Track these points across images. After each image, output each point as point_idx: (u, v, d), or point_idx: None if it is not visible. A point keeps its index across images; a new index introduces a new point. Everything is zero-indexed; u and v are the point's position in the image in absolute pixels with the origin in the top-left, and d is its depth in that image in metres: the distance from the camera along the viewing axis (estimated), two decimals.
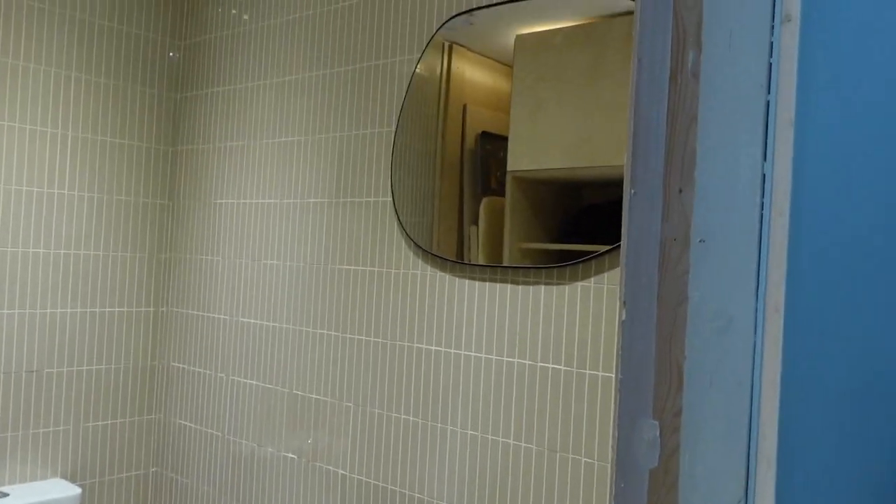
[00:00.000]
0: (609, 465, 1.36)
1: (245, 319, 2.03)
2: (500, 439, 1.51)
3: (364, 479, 1.74)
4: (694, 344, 0.75)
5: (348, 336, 1.79)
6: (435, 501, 1.62)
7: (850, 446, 0.71)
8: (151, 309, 2.26)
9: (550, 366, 1.45)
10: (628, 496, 0.80)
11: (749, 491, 0.71)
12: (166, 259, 2.28)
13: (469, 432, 1.56)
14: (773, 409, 0.70)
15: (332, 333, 1.82)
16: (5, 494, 1.91)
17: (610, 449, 1.31)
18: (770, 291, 0.71)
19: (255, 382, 2.00)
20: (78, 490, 1.98)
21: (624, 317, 0.81)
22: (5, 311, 1.97)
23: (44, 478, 2.05)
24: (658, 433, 0.78)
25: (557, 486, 1.43)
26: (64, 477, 2.08)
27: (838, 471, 0.71)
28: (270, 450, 1.95)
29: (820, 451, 0.71)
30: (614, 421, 0.83)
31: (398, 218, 1.70)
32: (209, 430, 2.11)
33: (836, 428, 0.71)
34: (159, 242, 2.27)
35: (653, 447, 0.79)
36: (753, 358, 0.71)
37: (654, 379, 0.78)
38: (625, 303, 0.81)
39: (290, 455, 1.90)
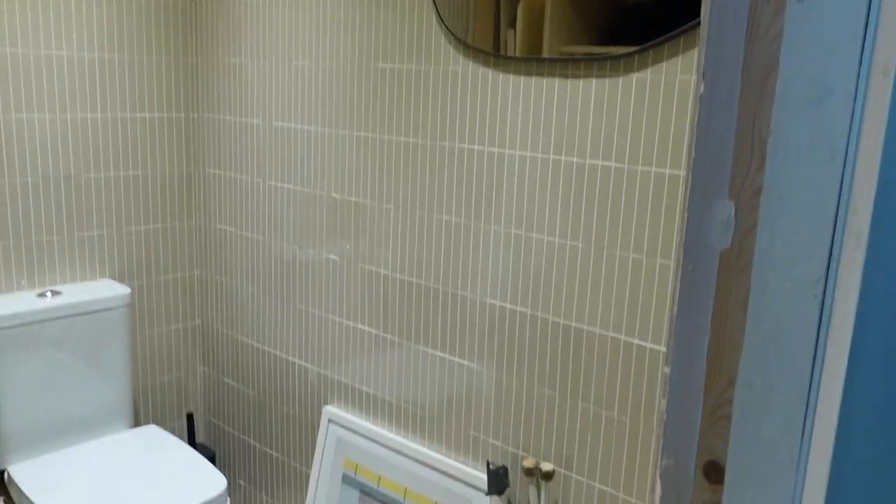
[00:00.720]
0: (674, 250, 1.35)
1: (279, 123, 1.98)
2: (545, 237, 1.50)
3: (406, 278, 1.77)
4: (782, 117, 0.70)
5: (386, 137, 1.74)
6: (478, 298, 1.64)
7: None
8: (182, 115, 2.21)
9: (600, 162, 1.40)
10: (696, 278, 0.78)
11: (831, 269, 0.68)
12: (193, 63, 2.19)
13: (513, 231, 1.55)
14: (870, 181, 0.65)
15: (370, 135, 1.78)
16: (58, 293, 1.97)
17: (677, 232, 1.29)
18: (878, 51, 0.64)
19: (292, 187, 1.98)
20: (127, 289, 2.04)
21: (702, 90, 0.75)
22: (36, 114, 1.93)
23: (93, 278, 2.12)
24: (734, 212, 0.74)
25: (604, 283, 1.44)
26: (112, 278, 2.15)
27: None
28: (311, 252, 1.97)
29: None
30: (684, 203, 0.79)
31: (437, 10, 1.59)
32: (250, 234, 2.13)
33: None
34: (184, 45, 2.18)
35: (727, 228, 0.75)
36: (850, 128, 0.66)
37: (733, 156, 0.73)
38: (704, 74, 0.74)
39: (332, 256, 1.93)
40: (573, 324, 1.49)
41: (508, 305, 1.59)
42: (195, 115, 2.22)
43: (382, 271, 1.82)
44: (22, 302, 1.90)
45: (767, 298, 0.73)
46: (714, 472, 0.81)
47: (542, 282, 1.52)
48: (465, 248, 1.64)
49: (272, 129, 2.01)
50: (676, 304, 0.81)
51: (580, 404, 1.51)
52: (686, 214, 0.79)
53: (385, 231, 1.79)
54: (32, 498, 1.74)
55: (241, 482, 2.34)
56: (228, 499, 1.81)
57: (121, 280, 2.16)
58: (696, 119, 0.76)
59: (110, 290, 2.03)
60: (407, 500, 1.82)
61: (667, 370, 0.82)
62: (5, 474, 1.86)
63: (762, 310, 0.74)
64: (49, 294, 1.96)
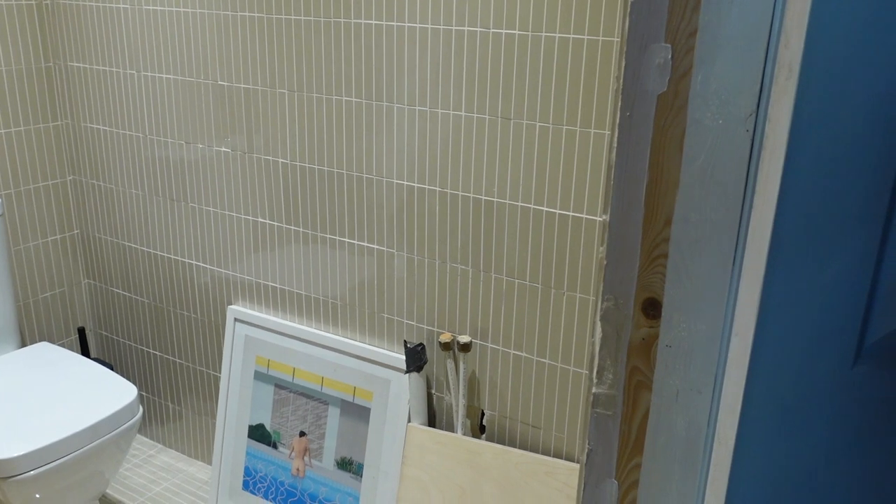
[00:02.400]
0: (611, 95, 1.37)
1: (149, 7, 1.82)
2: (451, 112, 1.49)
3: (307, 165, 1.72)
4: None
5: (274, 16, 1.65)
6: (385, 180, 1.62)
7: (871, 48, 0.72)
8: (34, 1, 1.99)
9: (504, 31, 1.39)
10: (634, 123, 0.80)
11: (762, 103, 0.72)
12: None
13: (417, 108, 1.53)
14: (801, 14, 0.68)
15: (256, 15, 1.67)
16: None
17: (613, 80, 1.31)
18: None
19: (171, 76, 1.85)
20: None
21: None
22: None
23: None
24: (670, 55, 0.76)
25: (511, 154, 1.45)
26: None
27: (858, 76, 0.72)
28: (201, 146, 1.87)
29: (843, 60, 0.71)
30: (621, 49, 0.80)
31: None
32: (127, 132, 1.99)
33: (860, 34, 0.71)
34: None
35: (663, 71, 0.77)
36: None
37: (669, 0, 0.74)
38: None
39: (224, 149, 1.84)
40: (483, 197, 1.51)
41: (416, 185, 1.58)
42: (48, 0, 2.00)
43: (280, 160, 1.75)
44: None
45: (702, 136, 0.77)
46: (652, 308, 0.87)
47: (451, 157, 1.52)
48: (367, 130, 1.61)
49: (143, 13, 1.84)
50: (615, 150, 0.83)
51: (493, 276, 1.55)
52: (623, 61, 0.80)
53: (280, 118, 1.72)
54: None
55: (144, 393, 2.27)
56: (140, 407, 1.76)
57: None
58: None
59: None
60: (324, 388, 1.83)
61: (605, 217, 0.85)
62: None
63: (697, 147, 0.77)
64: None
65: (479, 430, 1.69)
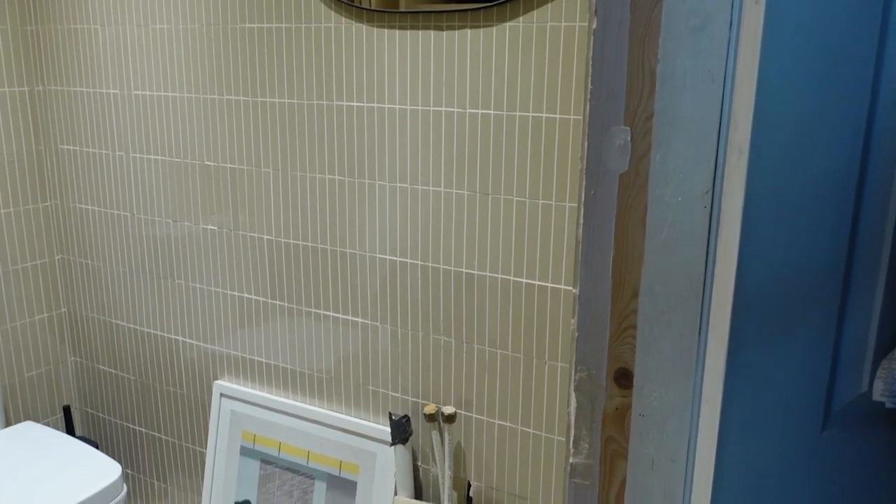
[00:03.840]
0: (579, 174, 1.42)
1: (139, 92, 1.89)
2: (431, 188, 1.54)
3: (292, 241, 1.75)
4: (668, 46, 0.76)
5: (259, 100, 1.71)
6: (367, 255, 1.66)
7: (817, 131, 0.77)
8: (26, 88, 2.05)
9: (480, 111, 1.45)
10: (599, 200, 0.84)
11: (717, 181, 0.76)
12: (33, 31, 2.03)
13: (398, 185, 1.58)
14: (748, 99, 0.73)
15: (241, 98, 1.73)
16: None
17: (580, 160, 1.36)
18: None
19: (159, 157, 1.90)
20: None
21: (595, 24, 0.80)
22: None
23: None
24: (629, 137, 0.81)
25: (490, 227, 1.50)
26: None
27: (806, 157, 0.77)
28: (187, 224, 1.91)
29: (790, 142, 0.76)
30: (584, 131, 0.85)
31: None
32: (115, 212, 2.03)
33: (806, 118, 0.76)
34: (21, 13, 2.01)
35: (624, 152, 0.82)
36: (728, 53, 0.73)
37: (627, 85, 0.80)
38: (596, 11, 0.80)
39: (211, 227, 1.87)
40: (464, 270, 1.54)
41: (399, 259, 1.62)
42: (40, 87, 2.07)
43: (266, 237, 1.79)
44: None
45: (663, 212, 0.81)
46: (624, 378, 0.89)
47: (431, 232, 1.56)
48: (350, 206, 1.65)
49: (131, 98, 1.91)
50: (581, 226, 0.87)
51: (476, 347, 1.57)
52: (586, 143, 0.85)
53: (265, 195, 1.76)
54: None
55: (130, 471, 2.25)
56: (125, 485, 1.74)
57: None
58: (590, 53, 0.81)
59: None
60: (311, 462, 1.82)
61: (575, 291, 0.89)
62: None
63: (659, 223, 0.81)
64: None
65: (466, 501, 1.68)
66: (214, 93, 1.77)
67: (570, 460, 0.95)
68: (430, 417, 1.63)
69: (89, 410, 2.28)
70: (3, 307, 2.08)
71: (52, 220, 2.16)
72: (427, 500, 1.73)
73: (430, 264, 1.58)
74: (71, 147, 2.06)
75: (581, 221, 0.86)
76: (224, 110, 1.76)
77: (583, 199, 0.85)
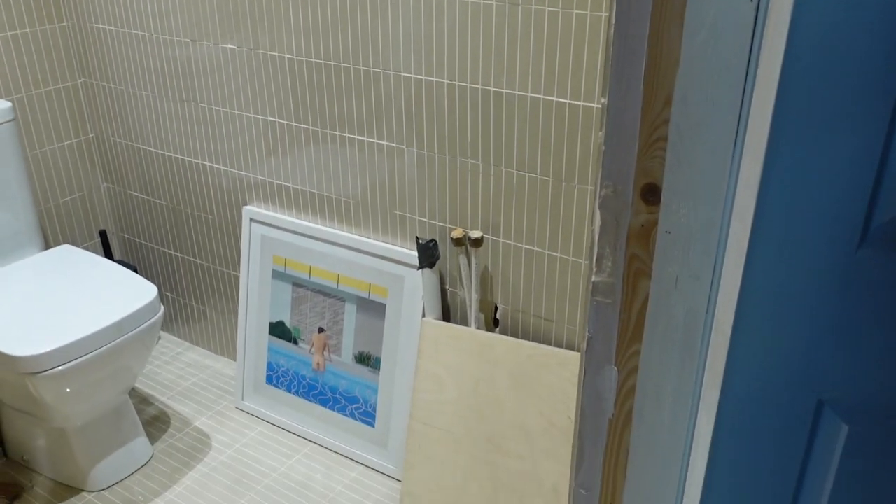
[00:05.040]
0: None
1: None
2: None
3: (314, 60, 1.68)
4: None
5: None
6: (391, 73, 1.58)
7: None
8: None
9: None
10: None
11: None
12: None
13: None
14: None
15: None
16: None
17: None
18: None
19: None
20: (7, 103, 1.87)
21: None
22: None
23: None
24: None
25: (521, 37, 1.40)
26: None
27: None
28: (207, 44, 1.83)
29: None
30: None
31: None
32: (132, 31, 1.95)
33: None
34: None
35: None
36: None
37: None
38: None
39: (230, 46, 1.80)
40: (492, 88, 1.47)
41: (424, 77, 1.54)
42: None
43: (287, 56, 1.71)
44: None
45: (704, 7, 0.72)
46: (651, 194, 0.85)
47: (458, 47, 1.47)
48: (373, 19, 1.56)
49: None
50: (613, 26, 0.79)
51: (503, 170, 1.53)
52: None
53: (285, 11, 1.67)
54: None
55: (169, 294, 2.33)
56: (162, 306, 1.80)
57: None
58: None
59: None
60: (340, 286, 1.86)
61: (604, 100, 0.82)
62: None
63: (698, 20, 0.73)
64: None
65: (492, 323, 1.71)
66: None
67: (593, 278, 0.93)
68: (458, 242, 1.62)
69: (125, 235, 2.33)
70: (31, 132, 2.07)
71: (71, 42, 2.09)
72: (454, 323, 1.76)
73: (455, 83, 1.51)
74: None
75: (613, 20, 0.78)
76: None
77: None
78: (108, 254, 2.25)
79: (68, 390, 1.66)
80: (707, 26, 0.73)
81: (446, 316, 1.76)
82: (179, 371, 2.27)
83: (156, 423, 2.07)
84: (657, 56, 0.77)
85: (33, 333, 1.63)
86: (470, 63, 1.47)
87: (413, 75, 1.55)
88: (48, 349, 1.58)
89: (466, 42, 1.46)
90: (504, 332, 1.69)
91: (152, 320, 1.75)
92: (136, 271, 2.25)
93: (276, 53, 1.72)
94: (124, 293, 1.77)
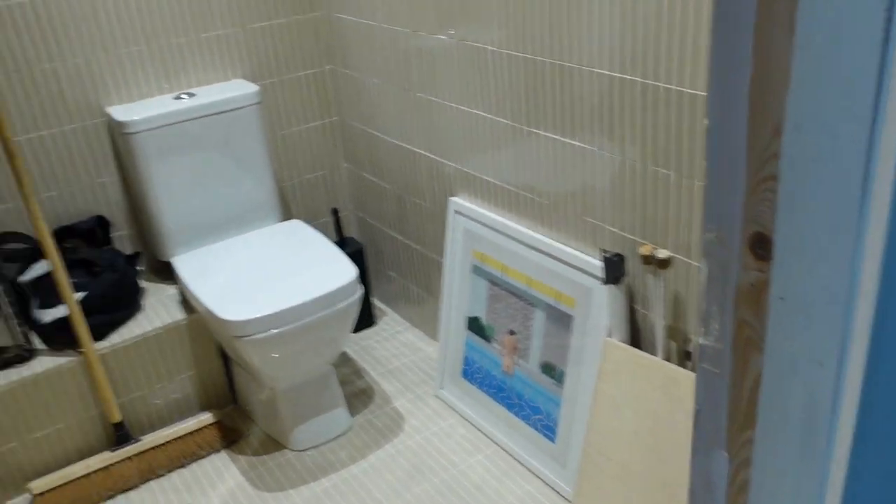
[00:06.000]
0: None
1: None
2: None
3: (513, 52, 1.59)
4: None
5: None
6: (585, 69, 1.45)
7: None
8: None
9: None
10: None
11: None
12: None
13: None
14: None
15: None
16: (192, 94, 2.04)
17: None
18: None
19: None
20: (255, 87, 2.06)
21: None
22: None
23: (226, 79, 2.16)
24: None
25: None
26: (245, 78, 2.18)
27: None
28: (423, 34, 1.84)
29: None
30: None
31: None
32: (364, 21, 2.03)
33: None
34: None
35: None
36: None
37: None
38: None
39: (441, 37, 1.78)
40: (686, 90, 1.27)
41: (617, 74, 1.38)
42: None
43: (489, 48, 1.65)
44: (161, 104, 1.99)
45: (820, 9, 0.53)
46: (760, 246, 0.66)
47: (653, 42, 1.29)
48: (568, 10, 1.43)
49: None
50: (712, 32, 0.62)
51: (695, 184, 1.32)
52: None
53: (487, 2, 1.61)
54: (186, 282, 1.91)
55: (392, 273, 2.42)
56: (360, 287, 1.86)
57: (253, 80, 2.19)
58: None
59: (240, 89, 2.06)
60: (530, 289, 1.77)
61: (706, 120, 0.65)
62: (172, 264, 2.05)
63: (813, 25, 0.54)
64: (185, 96, 2.03)
65: (683, 356, 1.50)
66: None
67: (700, 340, 0.75)
68: (646, 259, 1.45)
69: (359, 214, 2.46)
70: (280, 114, 2.26)
71: (321, 30, 2.24)
72: (643, 347, 1.58)
73: (650, 82, 1.33)
74: None
75: (713, 22, 0.61)
76: None
77: None
78: (339, 230, 2.39)
79: (274, 355, 1.80)
80: (824, 32, 0.53)
81: (634, 338, 1.59)
82: (394, 350, 2.35)
83: (361, 396, 2.18)
84: (763, 68, 0.58)
85: (244, 300, 1.78)
86: (664, 59, 1.28)
87: (606, 71, 1.40)
88: (250, 317, 1.72)
89: (661, 34, 1.27)
90: (694, 369, 1.47)
91: (349, 300, 1.82)
92: (363, 249, 2.37)
93: (479, 45, 1.67)
94: (329, 272, 1.87)
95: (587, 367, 1.64)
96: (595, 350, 1.61)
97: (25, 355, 1.85)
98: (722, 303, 0.71)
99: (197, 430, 2.00)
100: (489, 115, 1.73)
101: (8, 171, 1.86)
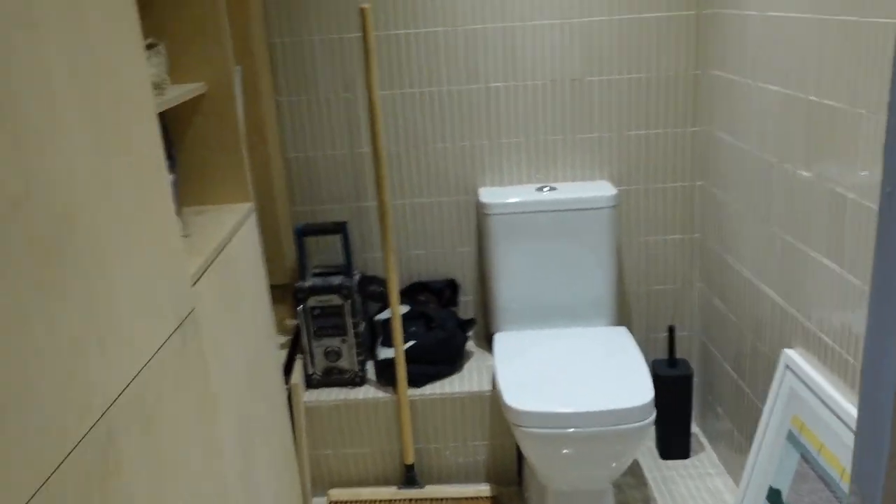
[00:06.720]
0: None
1: (774, 13, 1.70)
2: None
3: (868, 203, 1.36)
4: None
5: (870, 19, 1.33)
6: None
7: None
8: (693, 12, 2.08)
9: None
10: None
11: None
12: None
13: None
14: None
15: (859, 19, 1.38)
16: (554, 188, 2.15)
17: None
18: None
19: (776, 88, 1.69)
20: (614, 191, 2.09)
21: None
22: (546, 21, 2.09)
23: (591, 179, 2.23)
24: None
25: None
26: (610, 180, 2.22)
27: None
28: (787, 167, 1.67)
29: None
30: None
31: None
32: (739, 144, 1.92)
33: None
34: None
35: None
36: None
37: None
38: None
39: (805, 173, 1.60)
40: None
41: None
42: (708, 11, 2.06)
43: (849, 195, 1.43)
44: (524, 192, 2.15)
45: None
46: None
47: None
48: None
49: (767, 21, 1.73)
50: (877, 244, 0.50)
51: None
52: None
53: (853, 142, 1.40)
54: (495, 357, 2.01)
55: (720, 410, 2.21)
56: (653, 412, 1.75)
57: (618, 184, 2.22)
58: None
59: (600, 190, 2.11)
60: (842, 482, 1.46)
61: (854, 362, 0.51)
62: (493, 338, 2.18)
63: None
64: (547, 189, 2.16)
65: None
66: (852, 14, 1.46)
67: None
68: None
69: (701, 338, 2.30)
70: (641, 221, 2.25)
71: (697, 146, 2.18)
72: None
73: None
74: (720, 73, 2.01)
75: (877, 246, 0.47)
76: (844, 33, 1.44)
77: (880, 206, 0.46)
78: (671, 349, 2.26)
79: (546, 453, 1.79)
80: None
81: None
82: (695, 491, 2.14)
83: None
84: None
85: (533, 390, 1.82)
86: None
87: None
88: (527, 409, 1.74)
89: None
90: None
91: (634, 424, 1.73)
92: (692, 375, 2.22)
93: (839, 189, 1.45)
94: (626, 388, 1.80)
95: None
96: None
97: (357, 381, 2.14)
98: None
99: (473, 498, 2.08)
100: (835, 267, 1.50)
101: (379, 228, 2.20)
